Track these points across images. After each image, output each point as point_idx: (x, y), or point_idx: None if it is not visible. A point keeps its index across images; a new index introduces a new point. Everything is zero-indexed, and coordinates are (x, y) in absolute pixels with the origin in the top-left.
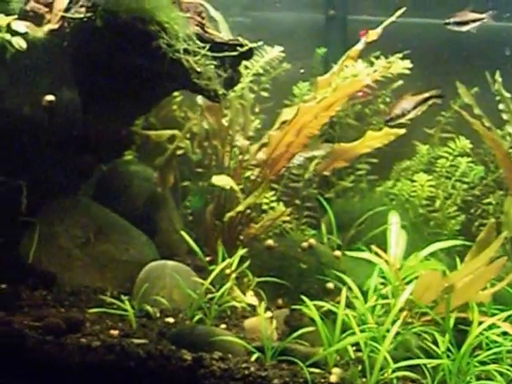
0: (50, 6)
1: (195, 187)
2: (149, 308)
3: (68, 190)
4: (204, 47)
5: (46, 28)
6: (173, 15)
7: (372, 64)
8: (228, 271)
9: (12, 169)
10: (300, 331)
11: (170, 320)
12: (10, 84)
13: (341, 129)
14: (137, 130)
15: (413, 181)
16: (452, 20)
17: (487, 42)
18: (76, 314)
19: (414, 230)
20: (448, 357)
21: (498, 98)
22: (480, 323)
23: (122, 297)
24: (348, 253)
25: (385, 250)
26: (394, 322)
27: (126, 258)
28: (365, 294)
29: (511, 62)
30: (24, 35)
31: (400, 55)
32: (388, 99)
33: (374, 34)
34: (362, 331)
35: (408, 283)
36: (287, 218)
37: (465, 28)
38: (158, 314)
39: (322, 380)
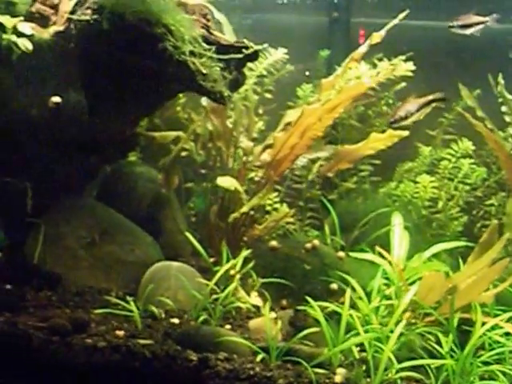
0: (55, 7)
1: (199, 188)
2: (154, 309)
3: (73, 190)
4: (210, 49)
5: (52, 30)
6: (179, 18)
7: (375, 66)
8: (232, 272)
9: (18, 170)
10: (305, 332)
11: (175, 321)
12: (17, 85)
13: (344, 130)
14: (141, 131)
15: (416, 182)
16: (456, 23)
17: (490, 44)
18: (81, 314)
19: (417, 231)
20: (452, 357)
21: (500, 100)
22: (483, 324)
23: (128, 298)
24: (351, 254)
25: (388, 251)
26: (397, 323)
27: (131, 259)
28: (368, 295)
29: None
30: (30, 37)
31: (403, 57)
32: (391, 101)
33: (377, 37)
34: (366, 332)
35: (411, 284)
36: (291, 220)
37: (469, 31)
38: (163, 315)
39: (327, 380)
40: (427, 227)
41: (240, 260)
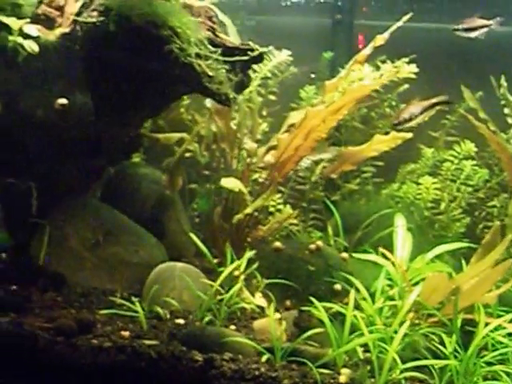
0: (61, 9)
1: (202, 190)
2: (159, 309)
3: (77, 191)
4: (215, 51)
5: (58, 32)
6: (185, 20)
7: (378, 68)
8: (236, 273)
9: (23, 170)
10: (309, 332)
11: (180, 321)
12: (23, 87)
13: (347, 132)
14: (145, 132)
15: (418, 184)
16: (461, 26)
17: (494, 47)
18: (87, 315)
19: (419, 232)
20: (455, 357)
21: (503, 102)
22: (486, 324)
23: (133, 298)
24: (355, 255)
25: (391, 252)
26: (401, 324)
27: (135, 260)
28: (372, 296)
29: None
30: (36, 39)
31: (406, 59)
32: (394, 103)
33: (381, 39)
34: (371, 332)
35: (414, 285)
36: (294, 221)
37: (473, 34)
38: (168, 316)
39: (332, 380)
40: (429, 228)
41: (244, 261)
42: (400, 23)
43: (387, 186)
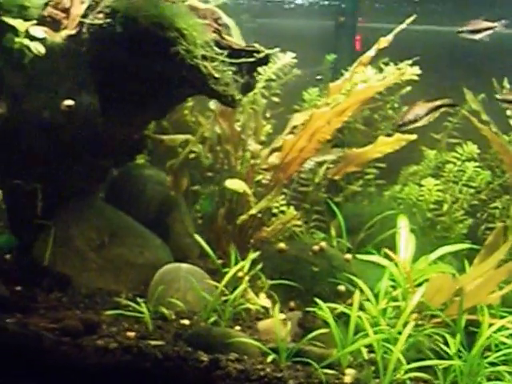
0: (66, 11)
1: (206, 191)
2: (164, 310)
3: (82, 192)
4: (222, 53)
5: (64, 33)
6: (191, 22)
7: (381, 70)
8: (241, 274)
9: (28, 171)
10: (314, 333)
11: (186, 322)
12: (30, 88)
13: (350, 134)
14: (150, 134)
15: (420, 185)
16: (465, 28)
17: (497, 49)
18: (92, 315)
19: (422, 233)
20: (460, 357)
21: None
22: (490, 325)
23: (138, 299)
24: (359, 256)
25: (394, 254)
26: (405, 324)
27: (140, 261)
28: (376, 297)
29: None
30: (42, 40)
31: (409, 62)
32: (396, 105)
33: (385, 41)
34: (375, 333)
35: (417, 286)
36: (298, 222)
37: (478, 36)
38: (174, 316)
39: (337, 381)
40: (432, 230)
41: (248, 262)
42: (403, 25)
43: (390, 187)
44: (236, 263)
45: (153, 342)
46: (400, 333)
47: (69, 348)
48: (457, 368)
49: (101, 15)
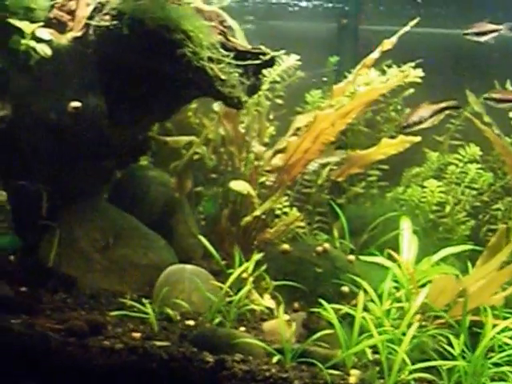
0: (72, 13)
1: (209, 192)
2: (169, 311)
3: (87, 194)
4: (228, 55)
5: (70, 35)
6: (197, 24)
7: (384, 73)
8: (245, 275)
9: (33, 172)
10: (318, 334)
11: (191, 323)
12: (36, 90)
13: (353, 136)
14: (154, 135)
15: (423, 187)
16: (471, 30)
17: (502, 51)
18: (97, 316)
19: (424, 235)
20: (463, 358)
21: None
22: (493, 326)
23: (143, 300)
24: (362, 257)
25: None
26: (409, 325)
27: (144, 262)
28: (379, 298)
29: None
30: (48, 42)
31: (412, 64)
32: (399, 107)
33: (388, 44)
34: (379, 334)
35: (420, 287)
36: (301, 224)
37: (483, 38)
38: (179, 317)
39: (342, 381)
40: (434, 231)
41: (252, 263)
42: (407, 28)
43: (392, 189)
44: (240, 264)
45: (158, 343)
46: (404, 333)
47: (74, 349)
48: (461, 368)
49: (107, 17)
